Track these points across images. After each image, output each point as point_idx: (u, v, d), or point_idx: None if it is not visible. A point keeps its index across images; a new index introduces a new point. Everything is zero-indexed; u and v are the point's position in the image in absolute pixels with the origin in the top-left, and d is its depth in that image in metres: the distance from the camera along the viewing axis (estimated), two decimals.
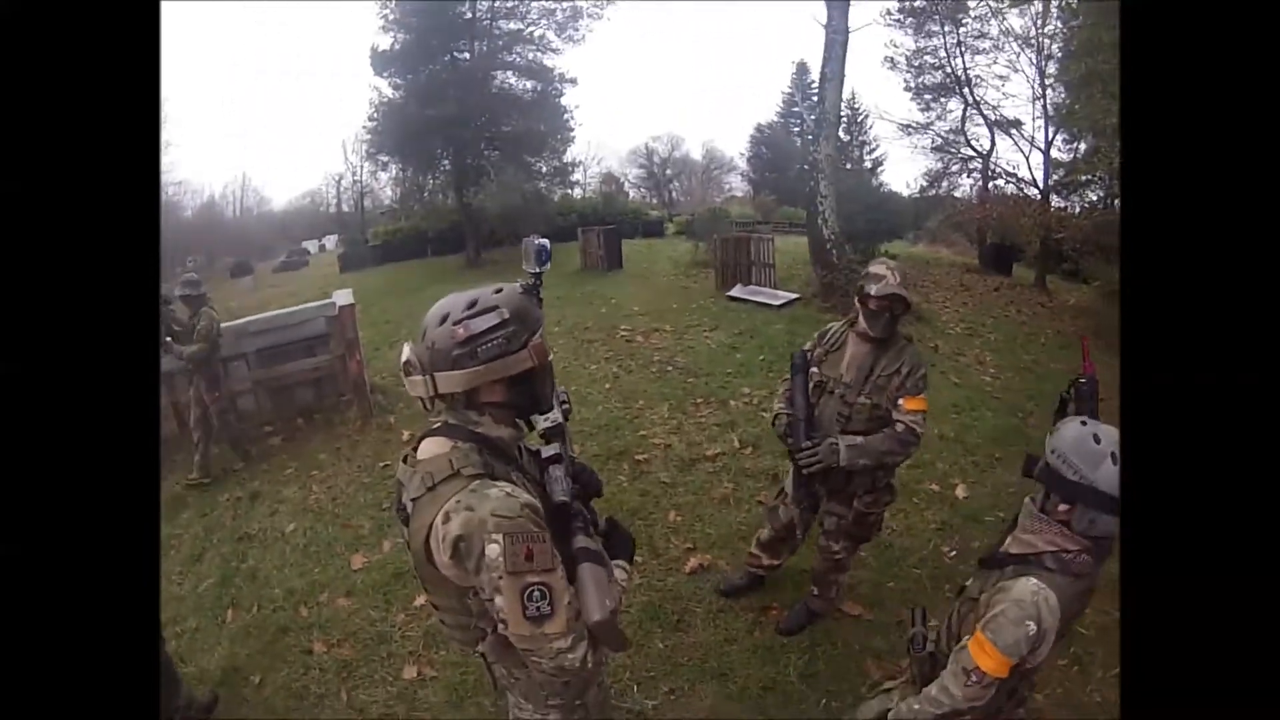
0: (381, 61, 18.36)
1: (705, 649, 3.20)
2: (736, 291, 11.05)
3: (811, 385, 2.92)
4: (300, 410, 6.42)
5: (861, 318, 2.82)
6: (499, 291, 1.54)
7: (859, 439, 2.77)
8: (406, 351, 1.48)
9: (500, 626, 1.42)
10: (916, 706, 1.80)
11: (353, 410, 6.43)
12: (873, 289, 2.73)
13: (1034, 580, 1.65)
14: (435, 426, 1.56)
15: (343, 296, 6.52)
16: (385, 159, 20.60)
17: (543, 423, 1.70)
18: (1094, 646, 3.12)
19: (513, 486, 1.45)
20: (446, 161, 18.86)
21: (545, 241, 1.94)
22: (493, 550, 1.35)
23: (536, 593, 1.37)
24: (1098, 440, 1.62)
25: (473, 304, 1.49)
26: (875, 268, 2.83)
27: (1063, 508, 1.66)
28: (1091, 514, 1.63)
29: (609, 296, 11.18)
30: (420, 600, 3.55)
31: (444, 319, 1.47)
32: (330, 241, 30.89)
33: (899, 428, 2.75)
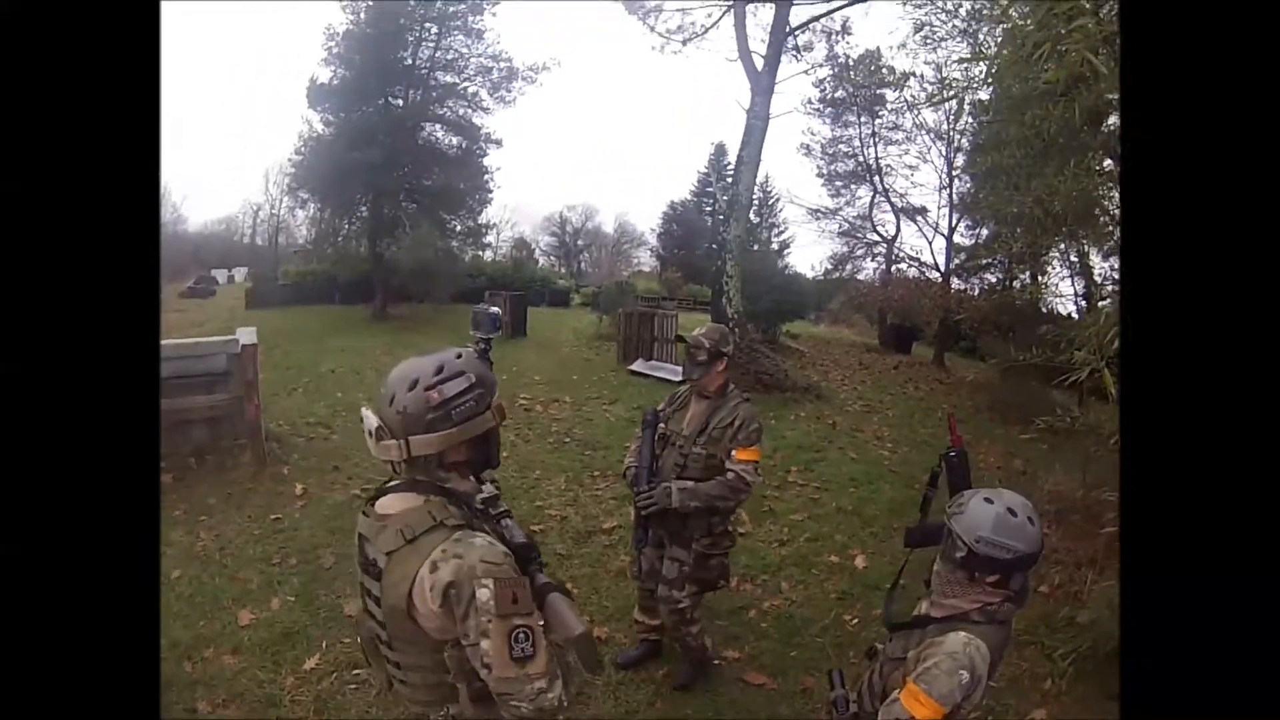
0: (318, 95, 18.05)
1: None
2: (638, 366, 11.26)
3: (658, 439, 3.19)
4: (193, 449, 6.04)
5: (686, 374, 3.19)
6: (459, 357, 1.61)
7: (690, 483, 3.03)
8: (372, 418, 1.53)
9: (484, 672, 1.46)
10: None
11: (246, 455, 6.10)
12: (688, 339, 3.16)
13: (965, 633, 1.74)
14: (398, 483, 1.63)
15: (246, 335, 6.26)
16: (305, 196, 20.05)
17: (483, 492, 1.75)
18: (1006, 697, 3.30)
19: (490, 536, 1.55)
20: (365, 208, 18.52)
21: (497, 310, 2.07)
22: (483, 595, 1.42)
23: (521, 634, 1.45)
24: (1014, 513, 1.73)
25: (440, 369, 1.55)
26: (695, 331, 3.23)
27: (993, 578, 1.76)
28: (1023, 574, 1.76)
29: (511, 364, 11.13)
30: (311, 664, 3.37)
31: (414, 384, 1.53)
32: (240, 273, 29.70)
33: (730, 475, 3.01)
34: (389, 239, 18.26)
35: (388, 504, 1.61)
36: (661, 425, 3.21)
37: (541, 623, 1.57)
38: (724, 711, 3.25)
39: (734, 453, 3.02)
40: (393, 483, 1.67)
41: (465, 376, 1.57)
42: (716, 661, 3.55)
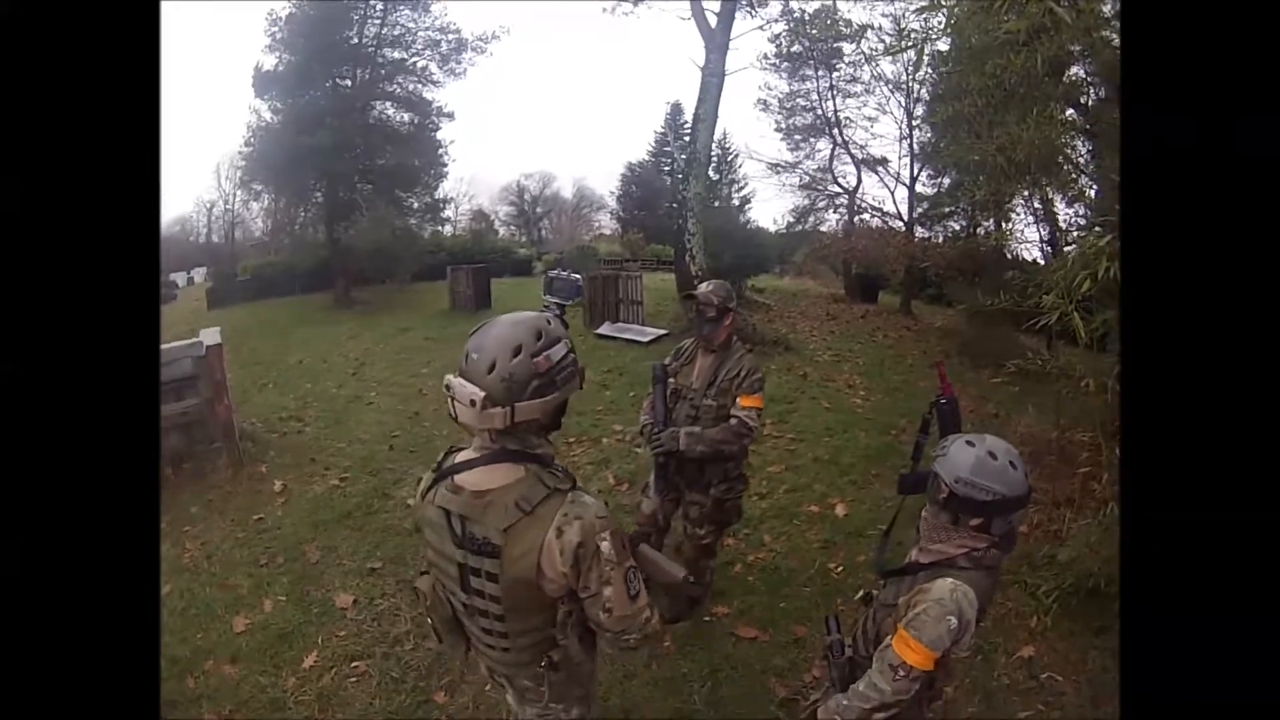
0: (263, 83, 17.47)
1: (606, 686, 3.18)
2: (605, 329, 11.19)
3: (670, 394, 3.33)
4: (169, 459, 5.93)
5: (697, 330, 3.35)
6: (550, 323, 1.62)
7: (696, 429, 3.20)
8: (468, 387, 1.49)
9: (604, 616, 1.58)
10: (845, 702, 1.91)
11: (222, 458, 5.99)
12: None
13: (951, 580, 1.79)
14: (477, 455, 1.61)
15: (210, 336, 6.12)
16: (258, 188, 19.50)
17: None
18: (994, 636, 3.42)
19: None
20: (319, 194, 18.08)
21: (578, 277, 2.14)
22: (605, 547, 1.53)
23: (631, 574, 1.59)
24: (994, 456, 1.77)
25: (540, 335, 1.55)
26: (701, 287, 3.36)
27: (975, 521, 1.80)
28: (1006, 517, 1.80)
29: None
30: (309, 662, 3.38)
31: (518, 350, 1.51)
32: (199, 274, 28.98)
33: (733, 421, 3.18)
34: (346, 223, 17.89)
35: (481, 479, 1.60)
36: (671, 380, 3.35)
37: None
38: (720, 666, 3.31)
39: (738, 399, 3.19)
40: (464, 455, 1.65)
41: (564, 341, 1.60)
42: (707, 618, 3.65)
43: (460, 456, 1.67)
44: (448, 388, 1.54)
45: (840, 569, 4.18)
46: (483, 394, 1.48)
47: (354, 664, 3.36)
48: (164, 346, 6.55)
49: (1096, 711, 3.05)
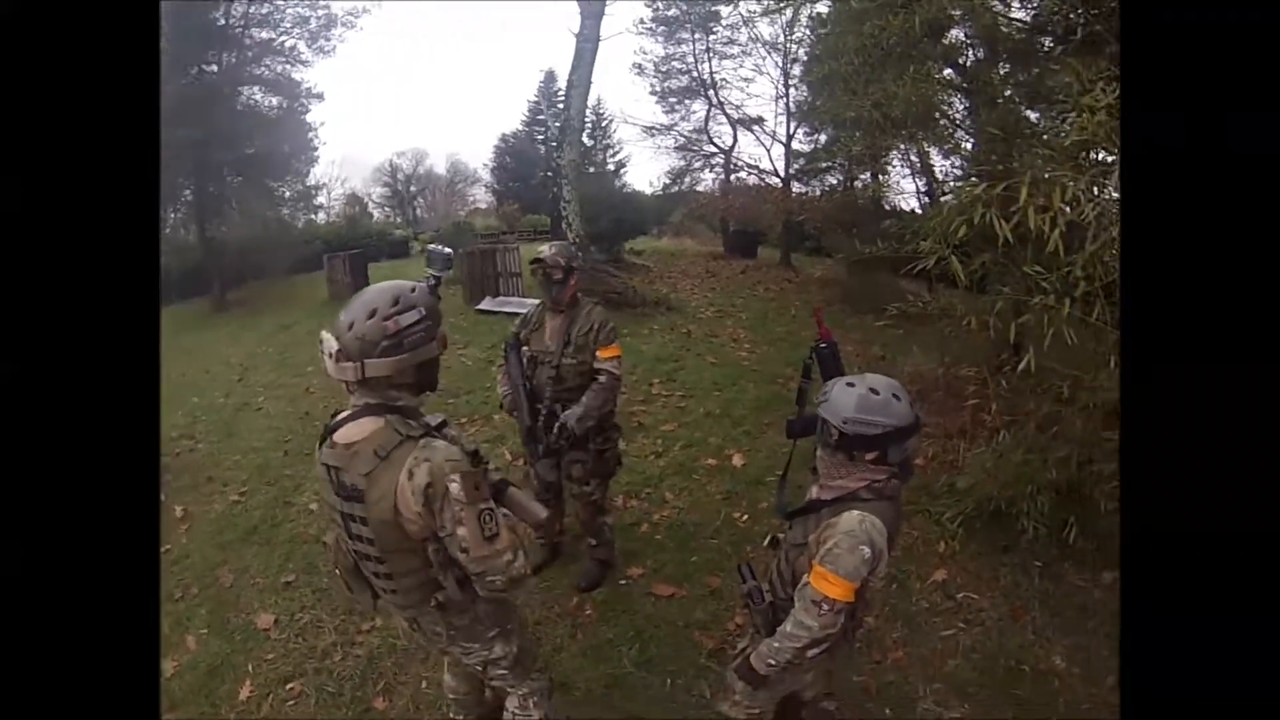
0: None
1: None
2: (485, 304, 11.00)
3: (526, 361, 3.40)
4: None
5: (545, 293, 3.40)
6: (414, 290, 1.79)
7: (581, 408, 3.26)
8: (331, 342, 1.70)
9: (462, 556, 1.74)
10: (776, 645, 1.98)
11: None
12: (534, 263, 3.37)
13: (856, 511, 1.88)
14: (349, 412, 1.81)
15: None
16: None
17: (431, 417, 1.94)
18: (906, 564, 3.65)
19: (447, 441, 1.78)
20: (189, 191, 16.71)
21: (449, 251, 2.31)
22: (454, 488, 1.68)
23: (486, 516, 1.73)
24: (876, 392, 1.87)
25: (396, 301, 1.74)
26: (540, 249, 3.45)
27: (871, 455, 1.90)
28: (900, 446, 1.90)
29: None
30: (245, 693, 3.25)
31: (372, 313, 1.71)
32: None
33: (602, 378, 3.30)
34: (218, 219, 16.67)
35: (349, 433, 1.78)
36: (525, 348, 3.42)
37: (505, 512, 1.89)
38: (644, 628, 3.39)
39: (599, 353, 3.30)
40: (342, 415, 1.84)
41: (418, 309, 1.75)
42: (623, 581, 3.75)
43: (340, 416, 1.85)
44: (320, 341, 1.73)
45: (745, 518, 4.34)
46: (337, 347, 1.69)
47: (289, 685, 3.25)
48: None
49: (1016, 624, 3.31)
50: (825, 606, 1.84)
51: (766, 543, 2.32)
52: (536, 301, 3.74)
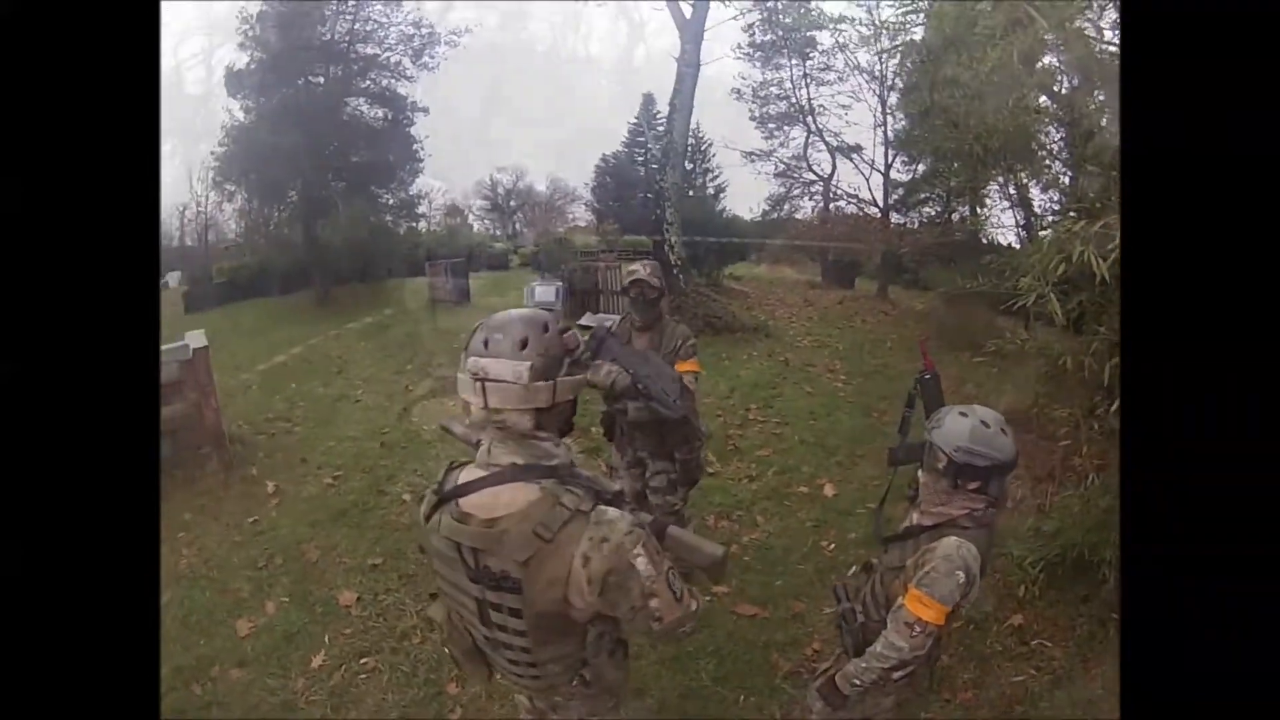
0: (235, 82, 17.13)
1: None
2: (585, 320, 11.13)
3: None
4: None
5: (632, 311, 3.52)
6: (551, 311, 1.62)
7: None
8: (509, 363, 1.38)
9: (655, 625, 1.46)
10: (864, 665, 2.00)
11: (213, 463, 5.92)
12: (625, 281, 3.46)
13: (955, 538, 1.89)
14: (492, 473, 1.46)
15: (195, 339, 6.06)
16: (231, 189, 19.14)
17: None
18: (985, 606, 3.51)
19: (614, 507, 1.48)
20: (294, 193, 17.82)
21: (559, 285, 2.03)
22: (641, 564, 1.40)
23: (672, 575, 1.46)
24: (987, 425, 1.90)
25: (548, 323, 1.45)
26: (628, 266, 3.57)
27: (974, 485, 1.92)
28: (1001, 480, 1.93)
29: (459, 331, 10.95)
30: (318, 661, 3.41)
31: (546, 327, 1.43)
32: (174, 278, 28.40)
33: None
34: (322, 220, 17.66)
35: (492, 503, 1.44)
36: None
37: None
38: (723, 644, 3.41)
39: (675, 366, 3.32)
40: (467, 475, 1.50)
41: (578, 329, 1.57)
42: (708, 598, 3.70)
43: (463, 476, 1.52)
44: (475, 374, 1.41)
45: (832, 546, 4.32)
46: (528, 364, 1.38)
47: (363, 660, 3.41)
48: None
49: (1087, 676, 3.17)
50: (918, 629, 1.87)
51: (859, 567, 2.35)
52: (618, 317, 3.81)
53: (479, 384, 1.40)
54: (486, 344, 1.40)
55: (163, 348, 6.24)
